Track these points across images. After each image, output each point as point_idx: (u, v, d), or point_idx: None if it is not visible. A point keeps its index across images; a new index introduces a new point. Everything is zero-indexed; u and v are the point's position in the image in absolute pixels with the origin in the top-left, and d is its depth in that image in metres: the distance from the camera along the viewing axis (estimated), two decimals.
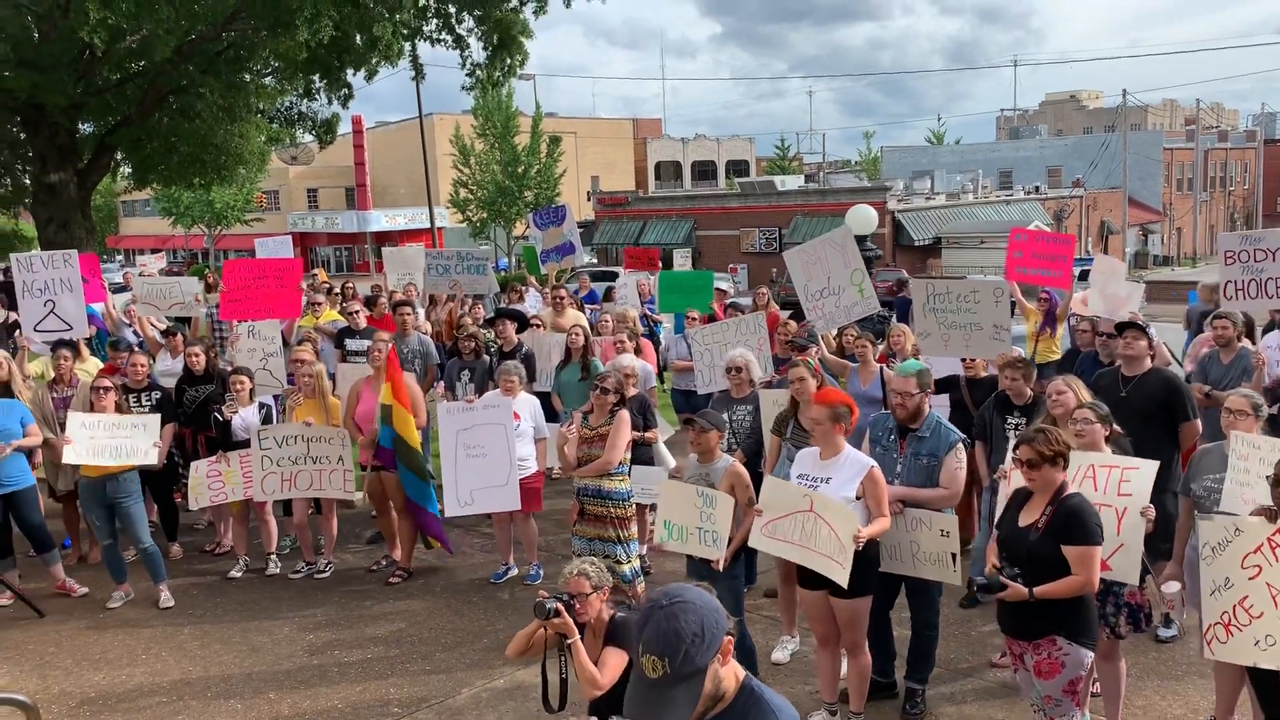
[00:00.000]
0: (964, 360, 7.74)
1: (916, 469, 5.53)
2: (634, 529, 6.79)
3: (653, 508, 7.88)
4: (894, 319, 14.17)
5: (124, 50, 20.11)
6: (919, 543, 5.44)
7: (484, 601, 7.63)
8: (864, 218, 15.96)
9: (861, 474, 5.25)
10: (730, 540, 5.59)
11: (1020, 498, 4.69)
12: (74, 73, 18.94)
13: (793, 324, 9.67)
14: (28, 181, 24.55)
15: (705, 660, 2.40)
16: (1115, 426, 5.46)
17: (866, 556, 5.12)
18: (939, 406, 6.94)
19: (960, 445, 5.53)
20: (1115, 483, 5.02)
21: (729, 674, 2.51)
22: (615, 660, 4.30)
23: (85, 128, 22.81)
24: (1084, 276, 15.28)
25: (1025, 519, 4.53)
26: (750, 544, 5.49)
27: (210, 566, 8.58)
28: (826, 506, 5.14)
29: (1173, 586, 6.02)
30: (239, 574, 8.27)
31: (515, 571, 8.07)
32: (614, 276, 23.78)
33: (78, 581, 8.04)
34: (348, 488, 8.06)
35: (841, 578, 4.99)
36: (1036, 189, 53.44)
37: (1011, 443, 6.20)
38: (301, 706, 6.05)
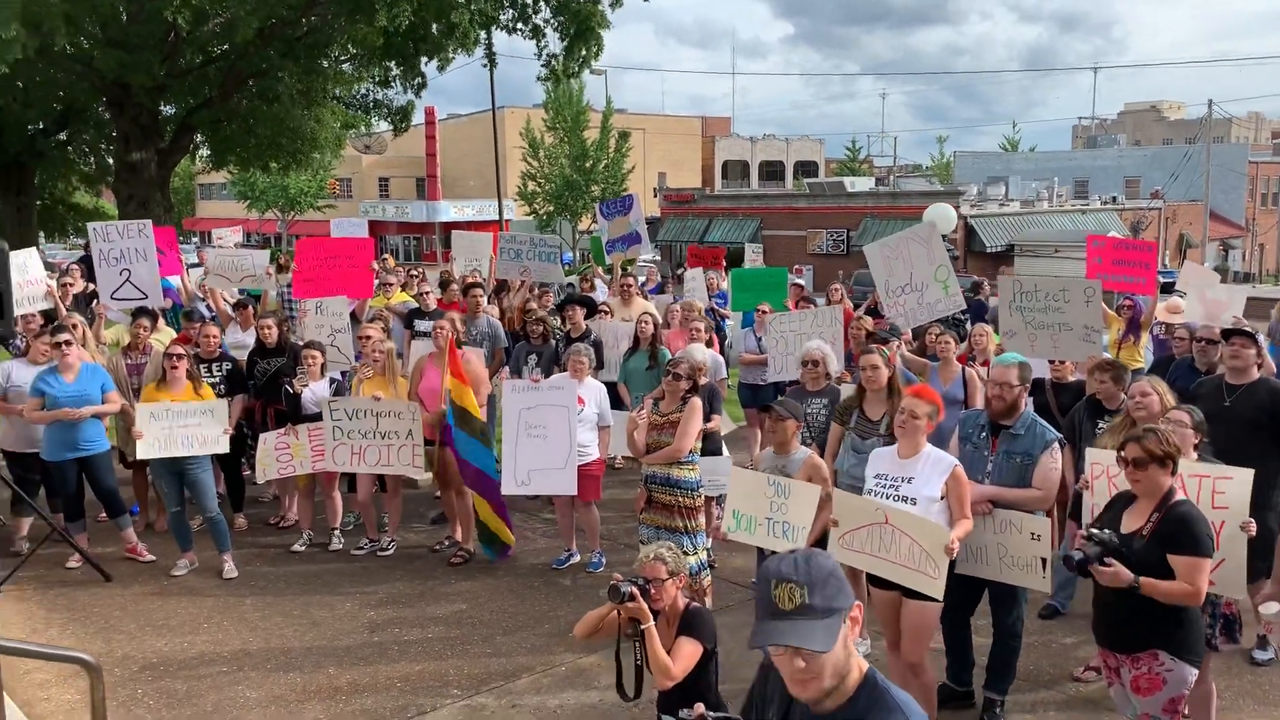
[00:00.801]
0: (1051, 362, 7.42)
1: (1009, 468, 5.26)
2: (701, 520, 6.61)
3: (719, 500, 7.72)
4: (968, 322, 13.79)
5: (208, 33, 20.47)
6: (1006, 546, 5.18)
7: (545, 587, 7.51)
8: (943, 215, 15.55)
9: (945, 473, 5.01)
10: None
11: (1121, 502, 4.42)
12: (159, 54, 19.30)
13: (868, 319, 9.42)
14: (111, 160, 25.16)
15: (842, 604, 2.26)
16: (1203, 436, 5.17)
17: None
18: None
19: (1056, 445, 5.25)
20: (1208, 493, 4.72)
21: (855, 658, 2.31)
22: (689, 650, 4.13)
23: (167, 109, 23.27)
24: (1166, 289, 14.75)
25: (1129, 525, 4.26)
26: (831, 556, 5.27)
27: (274, 539, 8.58)
28: (903, 519, 4.91)
29: (1271, 608, 5.70)
30: (302, 548, 8.26)
31: (577, 558, 7.94)
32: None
33: (146, 547, 8.08)
34: (416, 464, 7.98)
35: (935, 589, 4.76)
36: (1114, 199, 52.11)
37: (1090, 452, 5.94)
38: (360, 683, 5.97)
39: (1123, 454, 4.29)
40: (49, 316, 9.32)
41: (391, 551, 8.18)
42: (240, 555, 7.99)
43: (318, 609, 7.08)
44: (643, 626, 4.08)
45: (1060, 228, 44.57)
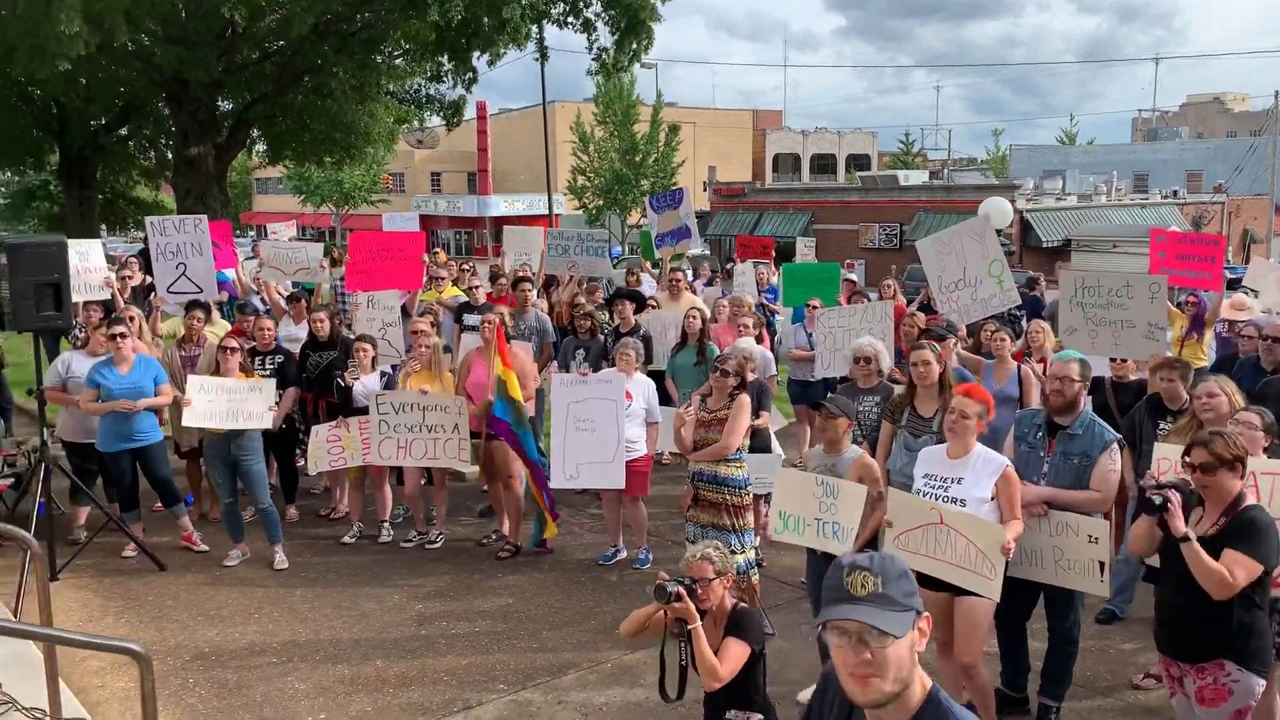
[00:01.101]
0: (1111, 360, 7.23)
1: (1066, 469, 5.12)
2: (750, 518, 6.53)
3: (768, 498, 7.64)
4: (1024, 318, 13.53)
5: (263, 28, 20.73)
6: (1063, 548, 5.05)
7: (592, 583, 7.49)
8: (998, 209, 15.25)
9: (995, 473, 4.89)
10: (857, 535, 5.28)
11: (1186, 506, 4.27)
12: (216, 50, 19.57)
13: (920, 315, 9.26)
14: (170, 155, 25.62)
15: (914, 605, 2.19)
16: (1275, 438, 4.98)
17: None
18: None
19: (1116, 446, 5.10)
20: None
21: (919, 674, 2.21)
22: (737, 651, 4.07)
23: (224, 104, 23.63)
24: (1232, 285, 14.35)
25: (1195, 529, 4.12)
26: None
27: (324, 531, 8.66)
28: (959, 519, 4.80)
29: None
30: (351, 540, 8.32)
31: (624, 554, 7.91)
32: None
33: (200, 538, 8.19)
34: (462, 457, 8.01)
35: (991, 590, 4.65)
36: (1175, 193, 50.93)
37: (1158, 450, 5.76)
38: (408, 675, 5.99)
39: (1188, 458, 4.15)
40: (108, 309, 9.49)
41: (439, 544, 8.21)
42: (291, 546, 8.07)
43: (366, 601, 7.13)
44: (689, 627, 4.02)
45: (1119, 222, 43.67)
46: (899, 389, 6.75)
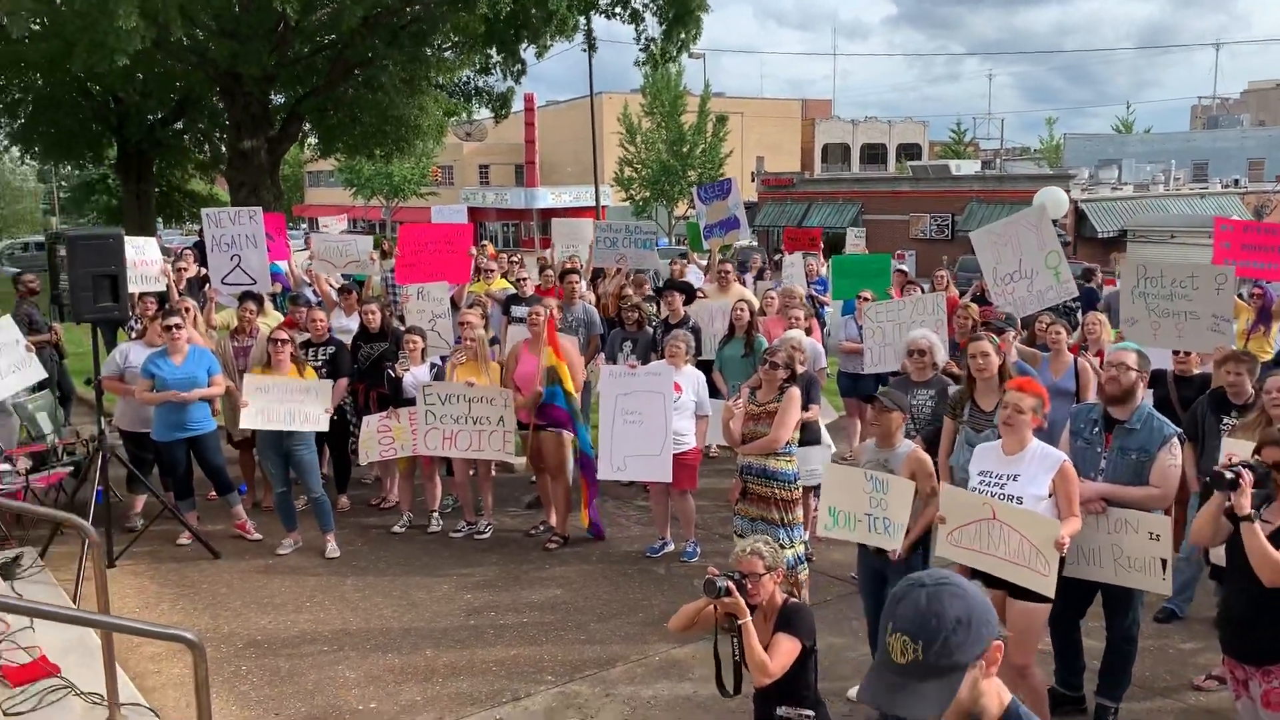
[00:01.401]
0: (1174, 353, 7.04)
1: (1124, 465, 4.99)
2: (799, 512, 6.46)
3: (817, 491, 7.56)
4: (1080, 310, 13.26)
5: (315, 23, 20.95)
6: (1122, 546, 4.92)
7: (639, 575, 7.47)
8: (1054, 199, 14.91)
9: (1052, 470, 4.77)
10: (908, 531, 5.20)
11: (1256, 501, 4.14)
12: (269, 44, 19.83)
13: (975, 307, 9.10)
14: (224, 148, 26.02)
15: (966, 657, 1.99)
16: None
17: None
18: None
19: (1176, 440, 4.95)
20: None
21: (992, 692, 2.07)
22: (787, 646, 4.01)
23: (277, 98, 23.94)
24: None
25: (1265, 528, 3.99)
26: (938, 553, 5.08)
27: (375, 520, 8.74)
28: (1012, 514, 4.70)
29: None
30: (401, 529, 8.38)
31: (671, 547, 7.88)
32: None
33: (254, 526, 8.30)
34: (506, 450, 8.04)
35: (1045, 586, 4.55)
36: (1235, 182, 49.66)
37: (1224, 442, 5.60)
38: (457, 666, 6.01)
39: (1259, 456, 4.02)
40: (162, 299, 9.64)
41: (488, 535, 8.25)
42: (342, 535, 8.16)
43: (416, 590, 7.17)
44: (739, 622, 3.98)
45: (1177, 212, 42.69)
46: (955, 386, 6.64)
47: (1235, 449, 4.90)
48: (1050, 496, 4.72)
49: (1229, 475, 3.92)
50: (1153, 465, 4.92)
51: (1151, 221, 41.36)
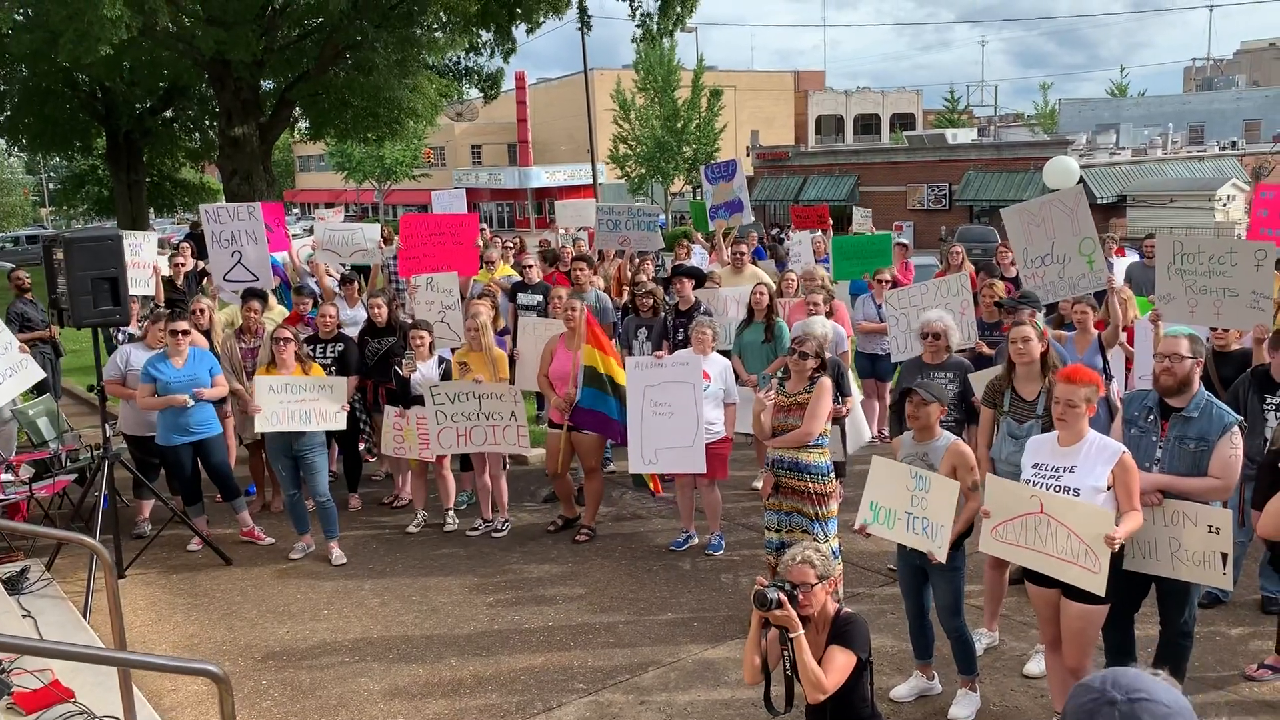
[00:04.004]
0: (1213, 330, 6.82)
1: (1181, 454, 4.78)
2: (833, 506, 6.25)
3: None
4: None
5: (302, 6, 20.57)
6: (1180, 540, 4.72)
7: (665, 571, 7.27)
8: (1064, 169, 14.58)
9: (1111, 461, 4.55)
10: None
11: None
12: (257, 29, 19.47)
13: (999, 284, 8.88)
14: (214, 136, 25.65)
15: None
16: None
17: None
18: None
19: (1236, 429, 4.74)
20: None
21: None
22: (842, 660, 3.81)
23: (266, 84, 23.57)
24: None
25: None
26: (980, 548, 4.88)
27: (389, 520, 8.53)
28: (1060, 506, 4.49)
29: None
30: (416, 529, 8.17)
31: (696, 540, 7.68)
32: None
33: (262, 530, 8.09)
34: (522, 443, 7.84)
35: (1096, 585, 4.35)
36: (1233, 144, 49.34)
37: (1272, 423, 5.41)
38: (483, 676, 5.81)
39: None
40: (155, 303, 9.44)
41: (506, 532, 8.04)
42: (357, 537, 7.96)
43: (436, 594, 6.97)
44: (791, 636, 3.77)
45: (1175, 176, 42.43)
46: (992, 370, 6.41)
47: None
48: (1109, 489, 4.51)
49: None
50: (1212, 455, 4.71)
51: (1150, 186, 41.17)
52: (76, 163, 33.50)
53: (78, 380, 13.41)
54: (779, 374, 6.38)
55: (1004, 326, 7.08)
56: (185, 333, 7.57)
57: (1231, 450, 4.71)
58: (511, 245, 14.01)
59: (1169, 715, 1.70)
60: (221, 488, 8.03)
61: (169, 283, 10.92)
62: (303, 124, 27.30)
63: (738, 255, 10.38)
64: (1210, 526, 4.66)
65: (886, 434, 8.76)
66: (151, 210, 32.88)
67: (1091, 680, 1.78)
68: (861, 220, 15.82)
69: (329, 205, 41.33)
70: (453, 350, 8.61)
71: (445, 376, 8.04)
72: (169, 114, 27.30)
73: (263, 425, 7.38)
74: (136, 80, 24.06)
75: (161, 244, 12.82)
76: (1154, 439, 4.88)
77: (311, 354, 8.09)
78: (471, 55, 25.49)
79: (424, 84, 23.93)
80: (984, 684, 5.40)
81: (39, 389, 9.80)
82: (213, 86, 22.45)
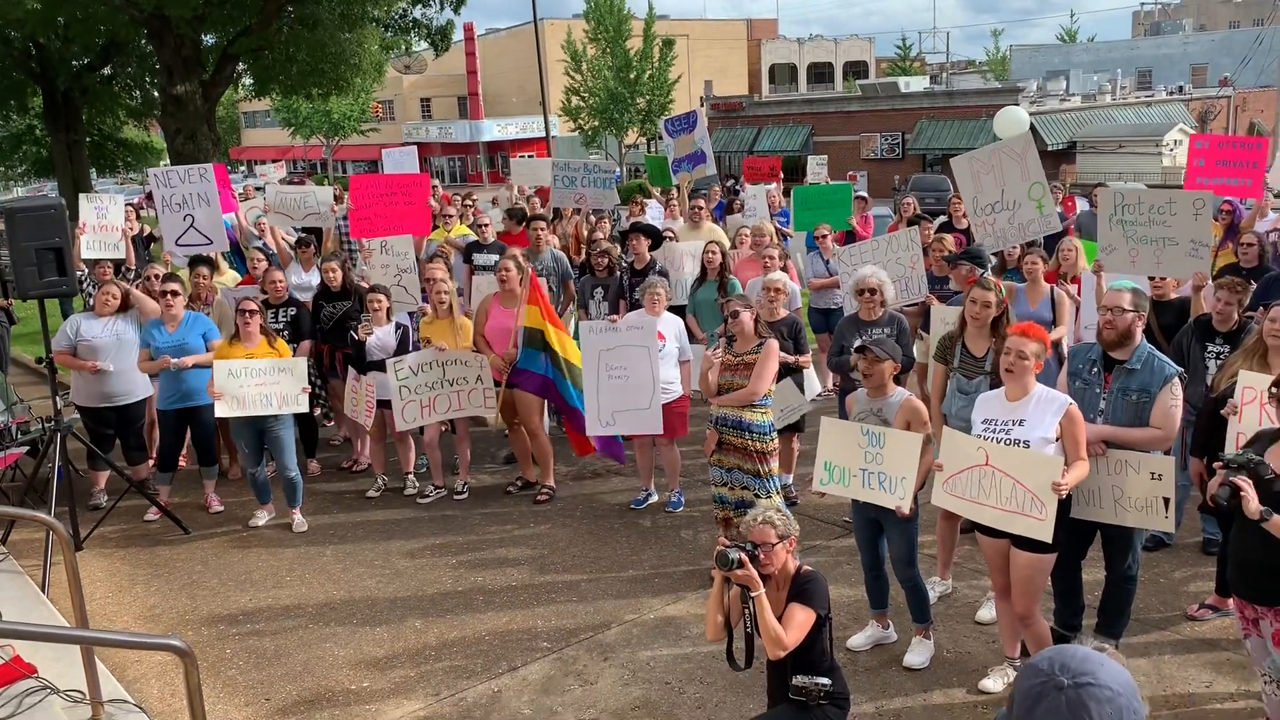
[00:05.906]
0: (1151, 279, 6.97)
1: (1124, 406, 4.91)
2: (774, 463, 6.33)
3: (793, 429, 7.45)
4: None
5: None
6: (1124, 487, 4.87)
7: (625, 529, 7.36)
8: (1013, 120, 14.69)
9: (1059, 413, 4.67)
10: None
11: (1265, 439, 4.09)
12: None
13: (948, 237, 8.99)
14: (156, 94, 24.97)
15: None
16: None
17: None
18: None
19: (1176, 380, 4.88)
20: None
21: None
22: (802, 617, 3.91)
23: (208, 39, 22.94)
24: None
25: (1275, 464, 3.94)
26: (934, 501, 5.00)
27: (348, 485, 8.52)
28: (1006, 457, 4.62)
29: None
30: (376, 494, 8.18)
31: (655, 498, 7.78)
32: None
33: (219, 498, 8.06)
34: (488, 405, 7.86)
35: (1044, 532, 4.48)
36: (1180, 89, 49.94)
37: (1211, 371, 5.55)
38: (448, 637, 5.88)
39: (1276, 389, 3.95)
40: (119, 265, 9.30)
41: (466, 495, 8.08)
42: (316, 503, 7.95)
43: (398, 558, 7.01)
44: (752, 595, 3.86)
45: (1124, 122, 42.93)
46: (943, 312, 6.50)
47: (1251, 382, 4.80)
48: (1057, 440, 4.64)
49: (1223, 496, 3.91)
50: (1153, 406, 4.85)
51: (1099, 132, 41.63)
52: (13, 123, 32.45)
53: (23, 349, 13.17)
54: (727, 333, 6.42)
55: (959, 279, 7.18)
56: (175, 294, 7.60)
57: (1172, 401, 4.85)
58: (470, 202, 13.86)
59: (1113, 699, 1.72)
60: (202, 454, 8.00)
61: None
62: (247, 80, 26.64)
63: (695, 210, 10.38)
64: (1153, 473, 4.82)
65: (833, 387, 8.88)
66: (94, 171, 32.04)
67: (1039, 661, 1.82)
68: (817, 169, 15.84)
69: (274, 161, 40.43)
70: (410, 314, 8.56)
71: (403, 342, 8.00)
72: (108, 71, 26.50)
73: (223, 411, 7.28)
74: (72, 37, 23.28)
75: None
76: (1098, 391, 5.00)
77: (276, 327, 8.02)
78: (419, 7, 24.96)
79: (368, 38, 23.43)
80: (938, 631, 5.56)
81: None
82: (152, 43, 21.78)
